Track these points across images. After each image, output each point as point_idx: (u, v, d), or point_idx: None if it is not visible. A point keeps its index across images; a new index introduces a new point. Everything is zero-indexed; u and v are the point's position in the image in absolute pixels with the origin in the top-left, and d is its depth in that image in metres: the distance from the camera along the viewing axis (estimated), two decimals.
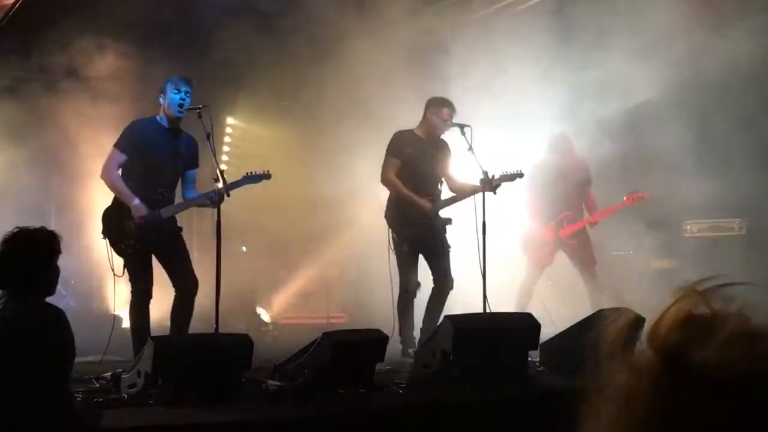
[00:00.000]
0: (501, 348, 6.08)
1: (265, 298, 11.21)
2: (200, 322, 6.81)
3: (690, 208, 9.83)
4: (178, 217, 6.67)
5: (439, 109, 7.56)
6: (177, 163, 6.59)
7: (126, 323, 6.70)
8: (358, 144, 10.27)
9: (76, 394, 4.62)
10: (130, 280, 6.39)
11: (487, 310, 6.93)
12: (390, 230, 7.57)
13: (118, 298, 6.85)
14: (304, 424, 4.79)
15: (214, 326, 6.01)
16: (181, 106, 6.40)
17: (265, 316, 10.75)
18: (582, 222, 9.14)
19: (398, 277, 7.57)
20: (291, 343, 7.03)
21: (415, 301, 7.65)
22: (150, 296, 6.41)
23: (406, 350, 7.24)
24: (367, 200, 10.12)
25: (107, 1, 8.85)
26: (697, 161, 9.20)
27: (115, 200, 6.48)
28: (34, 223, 4.08)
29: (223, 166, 6.87)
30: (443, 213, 7.63)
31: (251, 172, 6.54)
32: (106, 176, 6.46)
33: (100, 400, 4.94)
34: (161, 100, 6.50)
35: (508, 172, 7.39)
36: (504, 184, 7.33)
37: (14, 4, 8.79)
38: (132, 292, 6.40)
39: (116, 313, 7.11)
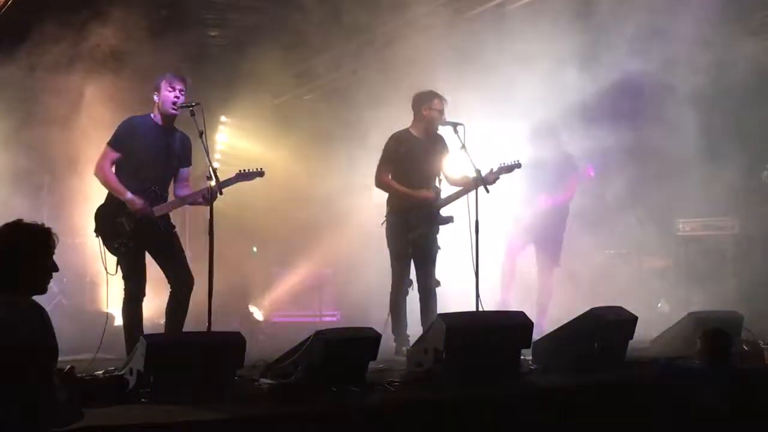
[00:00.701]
0: (493, 346, 6.08)
1: (257, 297, 11.21)
2: (193, 321, 6.80)
3: (683, 206, 9.87)
4: (171, 214, 6.66)
5: (431, 101, 7.59)
6: (170, 160, 6.59)
7: (119, 321, 6.69)
8: (351, 142, 10.28)
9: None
10: (123, 278, 6.39)
11: (480, 309, 6.94)
12: (387, 230, 7.60)
13: (110, 296, 6.83)
14: (297, 422, 4.78)
15: (207, 324, 6.01)
16: (174, 103, 6.42)
17: (257, 314, 10.75)
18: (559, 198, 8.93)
19: (392, 275, 7.58)
20: (283, 341, 7.03)
21: (408, 299, 7.67)
22: (143, 294, 6.41)
23: (399, 348, 7.25)
24: (360, 198, 10.14)
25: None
26: (692, 160, 9.23)
27: (108, 199, 6.48)
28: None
29: (215, 164, 6.87)
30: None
31: (244, 170, 6.55)
32: (99, 173, 6.48)
33: None
34: (155, 97, 6.51)
35: (506, 164, 7.40)
36: (502, 177, 7.36)
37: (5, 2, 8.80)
38: (125, 290, 6.40)
39: (109, 311, 7.09)
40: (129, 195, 6.31)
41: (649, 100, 9.38)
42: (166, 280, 6.54)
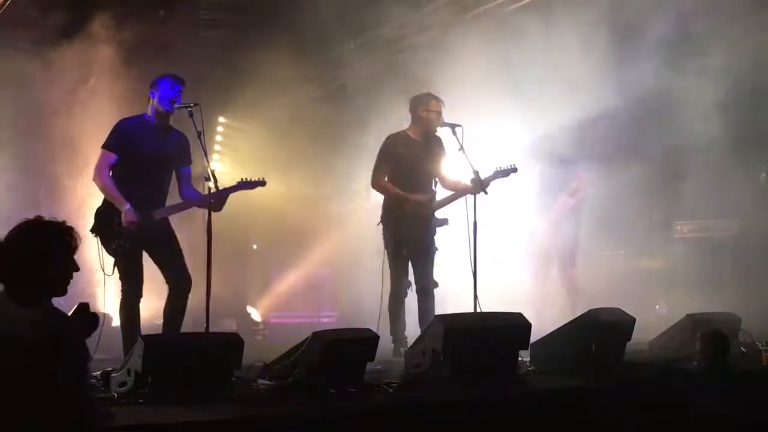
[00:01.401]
0: (491, 348, 6.08)
1: (255, 298, 11.21)
2: (190, 321, 6.80)
3: (681, 208, 9.87)
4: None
5: (428, 103, 7.58)
6: (167, 160, 6.57)
7: (116, 322, 6.68)
8: (350, 143, 10.28)
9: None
10: (121, 279, 6.38)
11: (478, 310, 6.94)
12: (384, 231, 7.60)
13: (108, 296, 6.82)
14: (295, 423, 4.79)
15: (205, 325, 6.00)
16: (172, 103, 6.39)
17: (255, 315, 10.74)
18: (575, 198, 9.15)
19: (389, 277, 7.58)
20: (281, 342, 7.02)
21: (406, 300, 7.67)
22: (140, 295, 6.40)
23: (397, 349, 7.25)
24: (358, 199, 10.14)
25: None
26: (690, 162, 9.24)
27: (106, 200, 6.46)
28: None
29: (214, 165, 6.85)
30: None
31: (246, 179, 6.52)
32: (97, 180, 6.43)
33: None
34: (152, 93, 6.47)
35: (502, 168, 7.37)
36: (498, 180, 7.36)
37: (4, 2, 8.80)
38: (122, 291, 6.39)
39: (106, 311, 7.08)
40: (127, 206, 6.26)
41: (648, 102, 9.37)
42: (163, 281, 6.52)
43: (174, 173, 6.67)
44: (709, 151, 9.34)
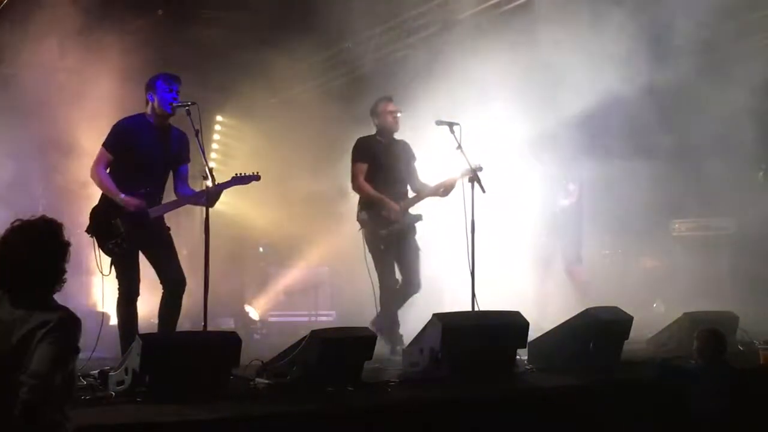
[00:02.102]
0: (489, 346, 6.08)
1: (253, 296, 11.20)
2: (188, 320, 6.79)
3: (679, 206, 9.88)
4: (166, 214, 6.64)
5: (384, 104, 7.79)
6: (166, 160, 6.55)
7: (114, 321, 6.67)
8: (348, 142, 10.25)
9: None
10: (118, 278, 6.35)
11: (476, 308, 6.94)
12: (363, 232, 7.69)
13: (106, 295, 6.82)
14: (292, 421, 4.79)
15: (203, 324, 6.00)
16: (171, 104, 6.37)
17: (253, 314, 10.74)
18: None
19: (377, 277, 7.62)
20: (279, 340, 7.03)
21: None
22: (137, 294, 6.39)
23: (394, 348, 7.25)
24: (356, 198, 10.12)
25: None
26: (688, 160, 9.24)
27: (103, 199, 6.44)
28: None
29: (212, 164, 6.84)
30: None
31: (240, 174, 6.49)
32: (94, 176, 6.43)
33: (88, 397, 4.92)
34: (150, 97, 6.46)
35: (469, 167, 7.30)
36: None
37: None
38: (119, 290, 6.37)
39: (104, 310, 7.08)
40: (122, 196, 6.27)
41: (647, 101, 9.38)
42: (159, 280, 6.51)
43: (171, 171, 6.66)
44: (708, 149, 9.35)
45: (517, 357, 6.34)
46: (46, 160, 9.85)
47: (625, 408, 5.66)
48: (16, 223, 3.58)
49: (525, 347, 6.41)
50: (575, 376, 6.07)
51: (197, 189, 6.63)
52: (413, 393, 5.59)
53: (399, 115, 7.79)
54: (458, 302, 7.22)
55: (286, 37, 10.08)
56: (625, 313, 6.76)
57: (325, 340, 5.56)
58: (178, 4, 9.95)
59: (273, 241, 11.86)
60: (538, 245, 9.35)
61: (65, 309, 3.50)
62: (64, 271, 3.59)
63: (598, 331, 6.49)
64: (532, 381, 6.10)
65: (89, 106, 9.26)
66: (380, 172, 7.70)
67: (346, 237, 10.39)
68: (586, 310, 6.64)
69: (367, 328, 5.98)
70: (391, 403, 5.29)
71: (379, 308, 7.53)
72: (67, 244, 3.61)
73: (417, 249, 7.76)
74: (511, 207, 9.25)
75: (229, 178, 6.45)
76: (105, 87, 9.33)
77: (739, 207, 9.69)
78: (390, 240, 7.60)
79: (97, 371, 5.52)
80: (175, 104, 6.36)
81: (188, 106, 6.26)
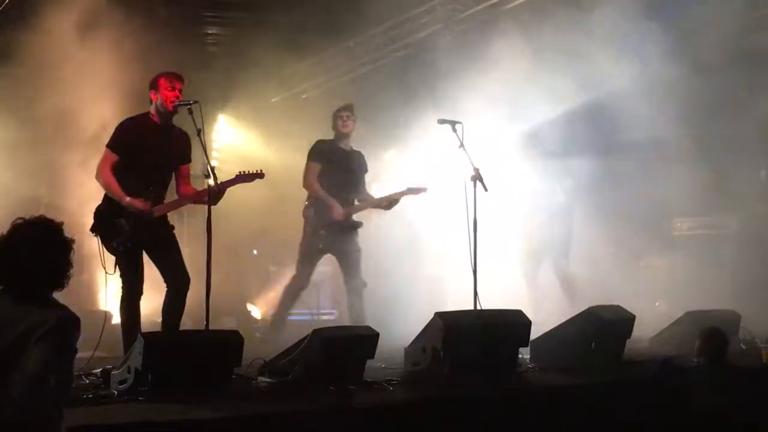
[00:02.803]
0: (491, 345, 6.08)
1: (255, 295, 11.20)
2: (190, 319, 6.79)
3: (681, 205, 9.85)
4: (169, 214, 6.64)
5: (338, 112, 8.29)
6: (170, 160, 6.56)
7: (116, 319, 6.68)
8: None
9: None
10: (121, 277, 6.36)
11: (478, 307, 6.93)
12: (305, 227, 8.21)
13: (108, 294, 6.82)
14: (294, 420, 4.79)
15: (205, 323, 6.00)
16: (174, 102, 6.38)
17: (255, 312, 10.74)
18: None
19: (296, 271, 8.28)
20: (281, 339, 7.03)
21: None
22: (141, 293, 6.39)
23: (273, 333, 8.01)
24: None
25: None
26: (690, 158, 9.22)
27: (106, 198, 6.45)
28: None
29: (213, 162, 6.83)
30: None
31: (244, 171, 6.50)
32: (100, 177, 6.42)
33: (90, 396, 4.93)
34: (153, 95, 6.47)
35: (413, 187, 8.11)
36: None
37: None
38: (123, 289, 6.38)
39: (107, 309, 7.08)
40: (128, 199, 6.27)
41: (648, 98, 9.36)
42: (162, 279, 6.52)
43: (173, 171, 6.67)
44: (709, 147, 9.34)
45: (519, 356, 6.34)
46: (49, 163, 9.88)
47: (627, 407, 5.66)
48: (18, 222, 3.58)
49: (527, 346, 6.41)
50: (577, 375, 6.07)
51: (199, 188, 6.63)
52: (415, 392, 5.59)
53: (350, 121, 8.24)
54: (460, 301, 7.21)
55: (288, 37, 10.07)
56: (627, 312, 6.76)
57: (327, 338, 5.56)
58: (180, 4, 9.96)
59: (275, 240, 11.84)
60: (531, 239, 9.31)
61: (64, 308, 3.49)
62: (66, 270, 3.58)
63: (600, 330, 6.49)
64: (534, 380, 6.10)
65: (92, 106, 9.27)
66: (333, 175, 8.14)
67: None
68: (589, 309, 6.64)
69: (369, 326, 5.98)
70: (393, 402, 5.29)
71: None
72: (70, 242, 3.60)
73: (358, 250, 8.20)
74: (506, 204, 9.22)
75: (234, 176, 6.45)
76: (108, 87, 9.34)
77: (742, 205, 9.67)
78: (329, 240, 8.09)
79: (99, 370, 5.53)
80: (177, 103, 6.38)
81: (190, 105, 6.26)
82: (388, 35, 10.42)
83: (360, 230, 8.23)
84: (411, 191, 8.16)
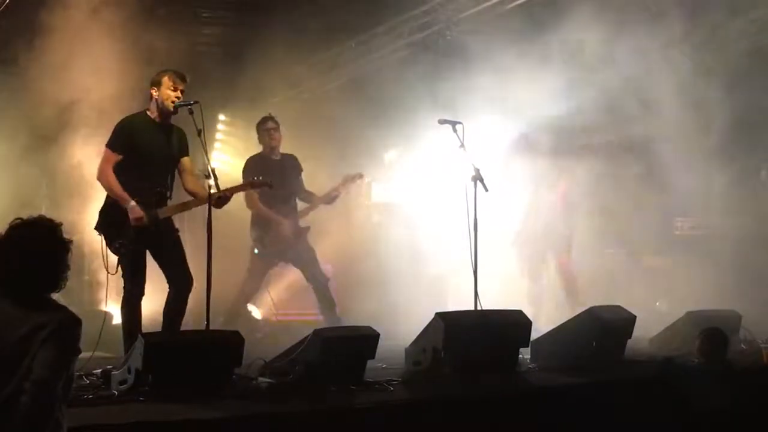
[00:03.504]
0: (492, 345, 6.08)
1: (256, 295, 11.18)
2: (191, 319, 6.79)
3: (681, 205, 9.85)
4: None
5: (264, 123, 8.58)
6: (171, 157, 6.54)
7: (117, 320, 6.67)
8: (349, 141, 10.27)
9: None
10: (124, 277, 6.34)
11: (479, 307, 6.93)
12: (253, 242, 8.58)
13: (109, 294, 6.81)
14: (295, 420, 4.79)
15: (205, 323, 5.99)
16: (174, 102, 6.37)
17: (256, 313, 10.72)
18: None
19: (245, 278, 8.78)
20: (282, 339, 7.03)
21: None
22: (142, 294, 6.38)
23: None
24: (359, 198, 10.13)
25: None
26: (690, 159, 9.21)
27: (110, 198, 6.44)
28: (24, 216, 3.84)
29: (214, 163, 6.83)
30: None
31: (254, 179, 6.67)
32: (102, 179, 6.41)
33: (91, 396, 4.93)
34: (154, 93, 6.45)
35: (350, 175, 8.55)
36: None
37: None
38: (125, 289, 6.36)
39: (107, 309, 7.08)
40: (132, 203, 6.24)
41: (648, 98, 9.36)
42: (164, 280, 6.51)
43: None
44: (710, 147, 9.34)
45: (520, 356, 6.34)
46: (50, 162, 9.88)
47: (628, 407, 5.66)
48: (16, 222, 3.57)
49: (528, 346, 6.41)
50: (578, 375, 6.07)
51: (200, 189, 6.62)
52: (416, 392, 5.60)
53: (277, 134, 8.53)
54: (461, 301, 7.21)
55: (288, 37, 10.07)
56: (628, 312, 6.76)
57: (328, 338, 5.56)
58: (179, 3, 9.95)
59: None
60: (533, 239, 9.29)
61: (65, 309, 3.48)
62: (64, 271, 3.57)
63: (600, 330, 6.49)
64: (534, 380, 6.10)
65: (91, 105, 9.25)
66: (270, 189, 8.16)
67: (349, 236, 10.40)
68: (589, 309, 6.64)
69: (369, 327, 5.97)
70: (394, 403, 5.30)
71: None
72: (68, 243, 3.59)
73: (310, 249, 8.57)
74: (506, 204, 9.22)
75: (242, 183, 6.49)
76: (107, 86, 9.32)
77: (743, 205, 9.67)
78: (279, 253, 8.55)
79: (99, 370, 5.53)
80: (178, 103, 6.37)
81: (191, 105, 6.26)
82: (389, 35, 10.42)
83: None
84: (347, 179, 8.56)
